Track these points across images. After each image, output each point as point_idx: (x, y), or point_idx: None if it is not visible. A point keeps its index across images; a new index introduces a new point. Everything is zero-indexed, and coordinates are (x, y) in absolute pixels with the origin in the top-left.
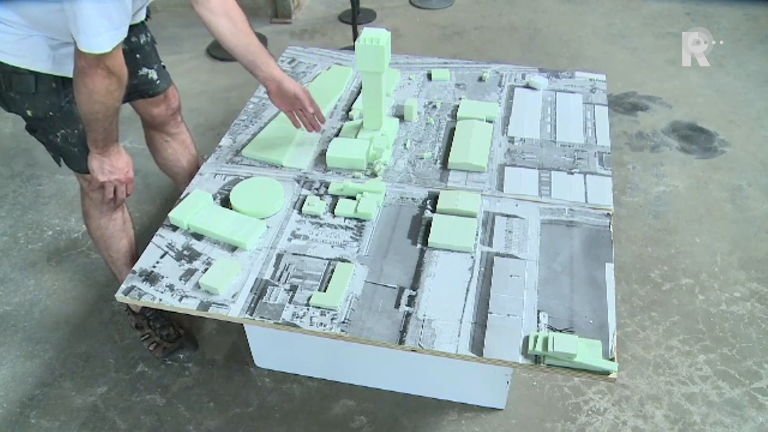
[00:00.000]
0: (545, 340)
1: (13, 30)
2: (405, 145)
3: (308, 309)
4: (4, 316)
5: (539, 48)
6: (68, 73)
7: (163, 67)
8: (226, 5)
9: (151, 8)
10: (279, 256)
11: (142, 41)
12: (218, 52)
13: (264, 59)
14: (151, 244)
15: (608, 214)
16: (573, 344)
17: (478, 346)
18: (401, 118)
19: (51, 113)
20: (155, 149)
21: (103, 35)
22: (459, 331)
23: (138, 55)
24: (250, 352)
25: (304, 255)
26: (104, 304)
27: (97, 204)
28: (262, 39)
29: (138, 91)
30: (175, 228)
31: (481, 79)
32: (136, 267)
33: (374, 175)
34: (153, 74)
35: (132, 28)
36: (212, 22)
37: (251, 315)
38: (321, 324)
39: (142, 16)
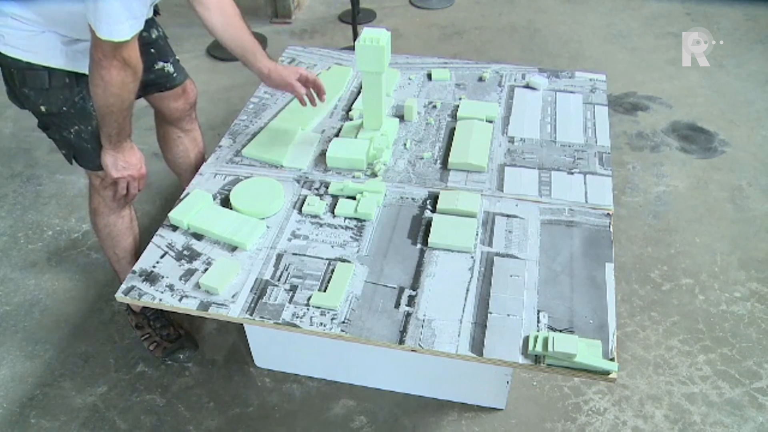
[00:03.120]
0: (545, 340)
1: (26, 26)
2: (405, 145)
3: (308, 309)
4: (4, 316)
5: (539, 48)
6: (81, 68)
7: (177, 60)
8: (219, 1)
9: (158, 6)
10: (279, 256)
11: (154, 36)
12: (218, 52)
13: (253, 53)
14: (151, 244)
15: (608, 214)
16: (573, 344)
17: (478, 346)
18: (401, 118)
19: (65, 108)
20: (167, 146)
21: (123, 23)
22: (459, 331)
23: (152, 50)
24: (250, 352)
25: (304, 255)
26: (104, 304)
27: (107, 201)
28: (262, 39)
29: (155, 84)
30: (175, 228)
31: (481, 79)
32: (136, 267)
33: (374, 175)
34: (169, 67)
35: (144, 22)
36: (206, 17)
37: (251, 315)
38: (321, 324)
39: (151, 12)
